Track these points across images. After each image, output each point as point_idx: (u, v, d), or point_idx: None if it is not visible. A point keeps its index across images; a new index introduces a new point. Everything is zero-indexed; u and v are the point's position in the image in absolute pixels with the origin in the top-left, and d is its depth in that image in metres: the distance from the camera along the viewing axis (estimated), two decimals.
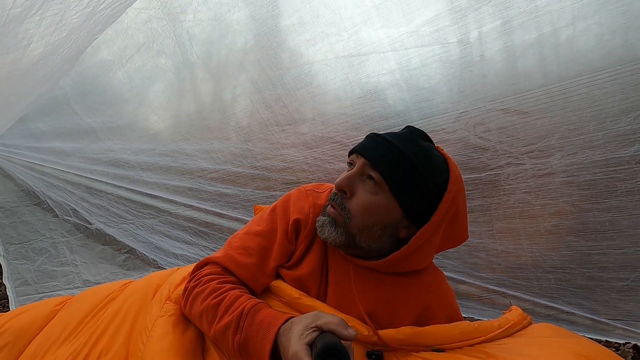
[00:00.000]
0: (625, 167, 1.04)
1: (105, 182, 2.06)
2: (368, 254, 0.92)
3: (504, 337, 0.90)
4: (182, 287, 1.08)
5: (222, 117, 1.73)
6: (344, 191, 0.87)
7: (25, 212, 2.43)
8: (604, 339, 1.43)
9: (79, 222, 2.44)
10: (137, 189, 1.99)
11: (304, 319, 0.70)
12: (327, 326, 0.67)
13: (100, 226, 2.32)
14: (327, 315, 0.69)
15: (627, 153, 1.01)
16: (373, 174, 0.85)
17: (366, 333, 0.82)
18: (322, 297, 0.93)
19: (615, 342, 1.42)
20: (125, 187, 2.03)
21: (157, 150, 1.80)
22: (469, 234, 0.96)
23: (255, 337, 0.74)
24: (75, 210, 2.36)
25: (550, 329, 0.98)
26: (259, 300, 0.83)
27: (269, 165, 1.58)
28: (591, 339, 1.47)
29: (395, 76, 1.22)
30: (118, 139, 1.87)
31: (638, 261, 1.15)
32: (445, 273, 1.03)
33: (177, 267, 1.39)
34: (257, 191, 1.65)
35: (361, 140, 0.94)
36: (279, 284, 0.94)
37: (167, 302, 1.03)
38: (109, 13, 0.99)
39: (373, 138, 0.91)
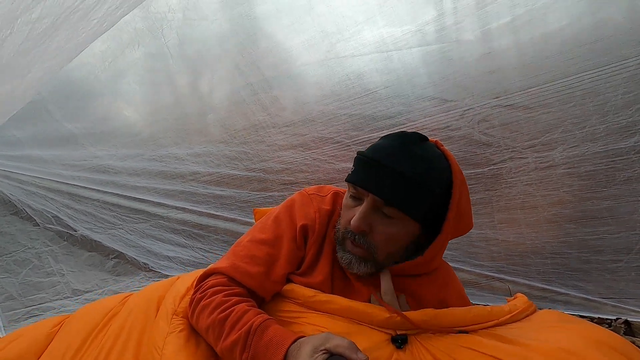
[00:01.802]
0: (625, 157, 1.07)
1: (90, 188, 1.96)
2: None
3: (513, 322, 0.92)
4: (188, 298, 1.05)
5: (200, 109, 1.66)
6: (364, 231, 0.84)
7: (2, 222, 2.30)
8: (596, 316, 1.50)
9: (62, 229, 2.33)
10: (125, 193, 1.90)
11: (314, 339, 0.70)
12: (336, 349, 0.66)
13: (87, 232, 2.22)
14: (336, 338, 0.68)
15: (627, 144, 1.04)
16: (387, 210, 0.83)
17: (387, 315, 0.80)
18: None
19: (607, 319, 1.50)
20: (111, 193, 1.94)
21: (146, 156, 1.72)
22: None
23: (264, 357, 0.72)
24: (57, 217, 2.25)
25: (555, 315, 1.01)
26: (266, 317, 0.81)
27: (266, 167, 1.54)
28: (583, 316, 1.56)
29: (398, 74, 1.19)
30: (102, 145, 1.77)
31: (633, 244, 1.20)
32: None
33: (177, 276, 1.35)
34: (253, 192, 1.61)
35: (361, 143, 0.91)
36: (291, 287, 0.93)
37: (174, 317, 1.00)
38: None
39: (372, 167, 0.84)
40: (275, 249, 0.95)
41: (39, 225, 2.34)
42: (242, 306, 0.83)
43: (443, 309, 0.84)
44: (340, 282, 0.94)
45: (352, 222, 0.84)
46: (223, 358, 0.85)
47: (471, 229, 0.95)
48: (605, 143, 1.06)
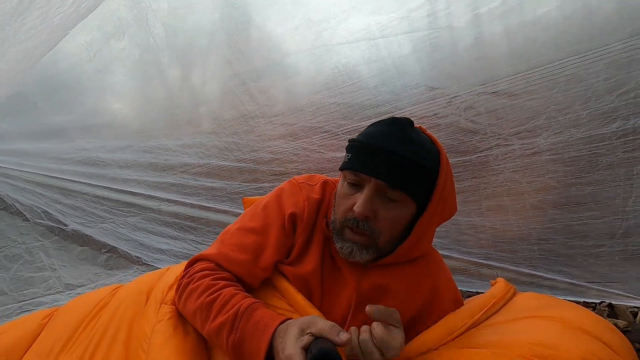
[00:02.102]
0: (607, 142, 1.08)
1: (79, 182, 1.94)
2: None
3: (488, 318, 0.94)
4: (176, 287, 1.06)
5: (189, 99, 1.65)
6: (368, 216, 0.84)
7: None
8: (581, 299, 1.54)
9: (52, 224, 2.31)
10: (115, 187, 1.89)
11: (300, 322, 0.71)
12: (320, 332, 0.68)
13: (77, 227, 2.21)
14: (321, 321, 0.70)
15: (609, 129, 1.05)
16: (392, 194, 0.83)
17: None
18: (321, 295, 0.93)
19: (592, 302, 1.53)
20: (102, 186, 1.92)
21: (135, 147, 1.70)
22: (457, 208, 0.98)
23: (251, 338, 0.73)
24: (47, 212, 2.23)
25: (534, 300, 1.03)
26: (254, 300, 0.82)
27: (256, 158, 1.53)
28: (569, 300, 1.59)
29: (385, 62, 1.19)
30: (91, 137, 1.75)
31: (615, 229, 1.22)
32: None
33: (167, 267, 1.35)
34: (244, 184, 1.60)
35: (351, 133, 0.91)
36: (284, 285, 0.93)
37: (162, 305, 1.00)
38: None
39: (372, 152, 0.84)
40: (264, 237, 0.95)
41: (29, 221, 2.32)
42: (230, 290, 0.83)
43: (412, 341, 0.84)
44: (329, 272, 0.94)
45: (356, 208, 0.83)
46: (210, 341, 0.87)
47: (455, 212, 0.96)
48: (588, 129, 1.07)
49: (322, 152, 1.40)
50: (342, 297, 0.93)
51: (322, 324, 0.69)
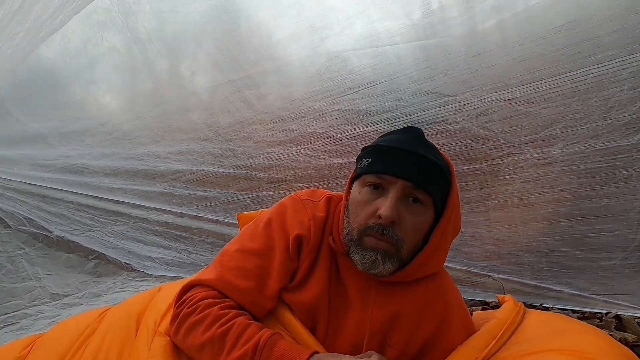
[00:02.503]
0: (626, 155, 1.03)
1: (63, 190, 1.83)
2: None
3: (499, 348, 0.89)
4: (170, 316, 0.98)
5: (183, 105, 1.56)
6: (394, 221, 0.79)
7: None
8: (587, 310, 1.50)
9: (36, 231, 2.20)
10: (101, 195, 1.79)
11: (330, 358, 0.69)
12: None
13: (62, 234, 2.11)
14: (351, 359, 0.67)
15: (629, 142, 1.00)
16: (420, 194, 0.81)
17: None
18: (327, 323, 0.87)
19: (598, 313, 1.50)
20: (86, 195, 1.82)
21: (123, 154, 1.60)
22: (462, 224, 0.96)
23: None
24: (29, 219, 2.12)
25: (544, 324, 0.99)
26: (273, 331, 0.76)
27: (254, 164, 1.44)
28: (575, 310, 1.56)
29: (394, 69, 1.12)
30: (74, 144, 1.63)
31: (628, 242, 1.18)
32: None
33: (158, 287, 1.27)
34: (239, 192, 1.52)
35: (359, 137, 0.87)
36: (287, 316, 0.86)
37: (155, 337, 0.93)
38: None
39: (396, 154, 0.83)
40: (267, 261, 0.88)
41: (10, 227, 2.20)
42: (242, 319, 0.78)
43: None
44: (337, 295, 0.88)
45: (383, 212, 0.78)
46: None
47: (459, 229, 0.93)
48: (606, 140, 1.02)
49: (324, 159, 1.32)
50: (349, 321, 0.86)
51: None
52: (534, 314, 1.05)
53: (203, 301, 0.82)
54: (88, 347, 0.99)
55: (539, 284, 1.42)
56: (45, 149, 1.67)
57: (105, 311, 1.14)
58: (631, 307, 1.43)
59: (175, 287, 1.11)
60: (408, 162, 0.81)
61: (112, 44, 1.45)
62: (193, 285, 0.88)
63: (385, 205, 0.78)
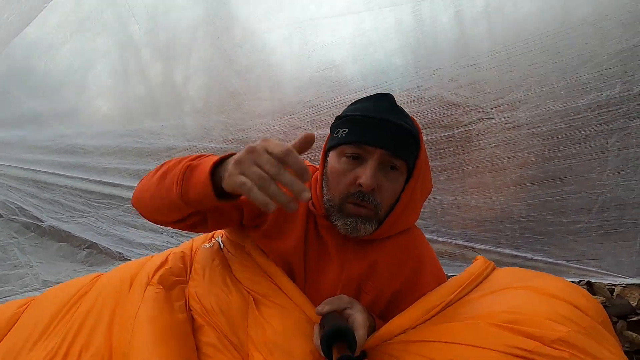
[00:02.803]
0: (582, 115, 1.12)
1: (57, 174, 1.87)
2: None
3: (466, 294, 0.96)
4: (162, 270, 1.04)
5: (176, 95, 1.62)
6: (374, 188, 0.85)
7: None
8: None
9: (28, 220, 2.22)
10: (95, 178, 1.82)
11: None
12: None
13: (54, 223, 2.13)
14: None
15: (584, 102, 1.09)
16: (396, 162, 0.86)
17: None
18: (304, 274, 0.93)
19: (572, 281, 1.58)
20: (80, 178, 1.85)
21: (118, 132, 1.64)
22: (435, 186, 1.02)
23: (206, 162, 0.71)
24: (21, 208, 2.14)
25: (510, 273, 1.07)
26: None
27: (244, 138, 1.50)
28: None
29: (371, 37, 1.19)
30: (70, 122, 1.68)
31: (591, 204, 1.26)
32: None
33: (150, 256, 1.32)
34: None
35: (342, 108, 0.92)
36: (267, 263, 0.93)
37: (148, 287, 0.98)
38: None
39: (372, 124, 0.86)
40: None
41: (2, 217, 2.22)
42: (199, 154, 0.82)
43: (390, 322, 0.84)
44: (314, 251, 0.94)
45: (364, 180, 0.83)
46: (155, 188, 0.82)
47: (431, 188, 0.99)
48: (564, 101, 1.11)
49: (310, 130, 1.38)
50: (328, 275, 0.92)
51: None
52: (502, 269, 1.12)
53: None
54: (82, 305, 1.03)
55: (515, 253, 1.50)
56: (41, 129, 1.70)
57: (97, 276, 1.18)
58: (601, 273, 1.52)
59: (167, 252, 1.17)
60: (384, 131, 0.85)
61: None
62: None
63: (365, 175, 0.83)
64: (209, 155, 0.79)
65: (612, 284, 1.58)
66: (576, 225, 1.35)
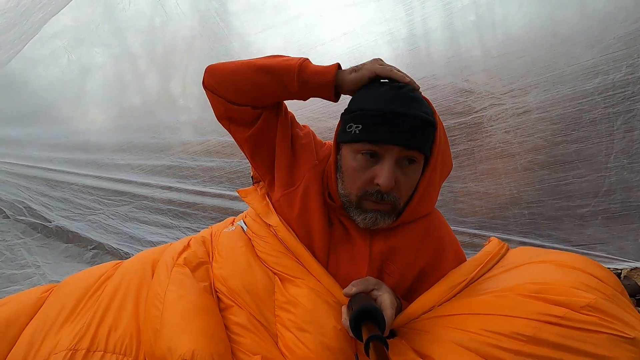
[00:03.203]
0: (589, 98, 1.17)
1: (68, 172, 1.87)
2: None
3: (487, 271, 0.99)
4: (186, 253, 1.05)
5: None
6: (393, 188, 0.83)
7: None
8: None
9: (35, 220, 2.21)
10: (106, 175, 1.83)
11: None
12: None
13: (63, 222, 2.12)
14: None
15: (591, 85, 1.14)
16: (414, 154, 0.83)
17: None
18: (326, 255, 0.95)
19: None
20: (91, 175, 1.86)
21: (133, 126, 1.66)
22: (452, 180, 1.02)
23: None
24: (29, 207, 2.14)
25: (526, 252, 1.09)
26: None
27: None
28: None
29: (389, 25, 1.24)
30: (84, 114, 1.69)
31: (598, 187, 1.30)
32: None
33: (168, 244, 1.33)
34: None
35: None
36: (290, 239, 0.96)
37: (174, 268, 1.00)
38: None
39: (388, 119, 0.81)
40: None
41: (9, 218, 2.21)
42: None
43: (413, 302, 0.86)
44: (337, 232, 0.95)
45: (382, 182, 0.81)
46: (251, 79, 0.91)
47: (451, 167, 0.99)
48: (572, 85, 1.15)
49: (324, 120, 1.42)
50: (351, 258, 0.93)
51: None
52: (517, 249, 1.15)
53: None
54: (107, 287, 1.04)
55: (524, 240, 1.53)
56: (54, 124, 1.71)
57: (118, 263, 1.19)
58: (608, 257, 1.56)
59: (186, 239, 1.19)
60: (402, 126, 0.80)
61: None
62: None
63: (383, 175, 0.80)
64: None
65: (618, 269, 1.62)
66: (583, 209, 1.39)
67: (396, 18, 1.19)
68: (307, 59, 0.89)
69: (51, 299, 1.04)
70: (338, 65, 0.87)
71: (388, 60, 0.79)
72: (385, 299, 0.79)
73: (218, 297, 0.96)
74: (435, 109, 0.89)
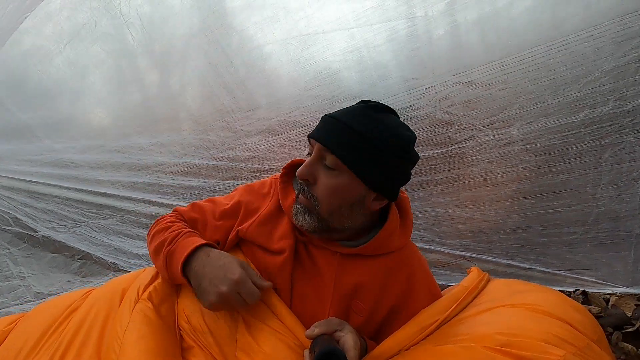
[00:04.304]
0: (576, 131, 1.12)
1: (50, 185, 1.86)
2: (348, 235, 0.93)
3: (461, 310, 0.95)
4: (152, 287, 1.03)
5: (171, 106, 1.63)
6: (307, 179, 0.87)
7: None
8: (557, 289, 1.58)
9: (21, 230, 2.19)
10: (88, 188, 1.82)
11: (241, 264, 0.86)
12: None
13: (49, 233, 2.11)
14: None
15: (577, 118, 1.09)
16: (329, 156, 0.84)
17: None
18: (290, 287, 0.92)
19: (567, 291, 1.58)
20: (74, 188, 1.84)
21: (107, 147, 1.64)
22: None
23: (182, 247, 0.88)
24: (15, 218, 2.12)
25: (505, 287, 1.06)
26: (199, 236, 0.94)
27: (233, 156, 1.51)
28: None
29: (361, 53, 1.20)
30: (60, 136, 1.67)
31: (586, 216, 1.26)
32: (415, 244, 1.06)
33: (142, 269, 1.30)
34: (222, 181, 1.57)
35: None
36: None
37: (137, 304, 0.97)
38: None
39: (325, 120, 0.88)
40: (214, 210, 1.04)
41: None
42: (183, 226, 0.98)
43: (380, 344, 0.84)
44: (301, 264, 0.93)
45: (297, 170, 0.87)
46: (154, 262, 1.00)
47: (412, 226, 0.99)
48: (557, 118, 1.11)
49: (299, 149, 1.39)
50: (319, 298, 0.90)
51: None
52: (497, 281, 1.12)
53: (166, 217, 1.04)
54: (72, 321, 1.02)
55: (511, 263, 1.49)
56: (31, 142, 1.70)
57: (89, 291, 1.17)
58: (597, 282, 1.52)
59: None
60: (331, 129, 0.85)
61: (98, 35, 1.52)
62: (175, 210, 1.09)
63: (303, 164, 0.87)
64: (183, 234, 0.93)
65: (608, 294, 1.58)
66: (571, 237, 1.35)
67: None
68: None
69: (14, 333, 1.02)
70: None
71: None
72: (349, 339, 0.77)
73: (181, 335, 0.94)
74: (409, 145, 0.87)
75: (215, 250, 0.89)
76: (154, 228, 1.01)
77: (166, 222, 0.99)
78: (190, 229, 0.97)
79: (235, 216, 1.00)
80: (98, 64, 1.64)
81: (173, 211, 1.10)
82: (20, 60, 1.64)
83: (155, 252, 0.96)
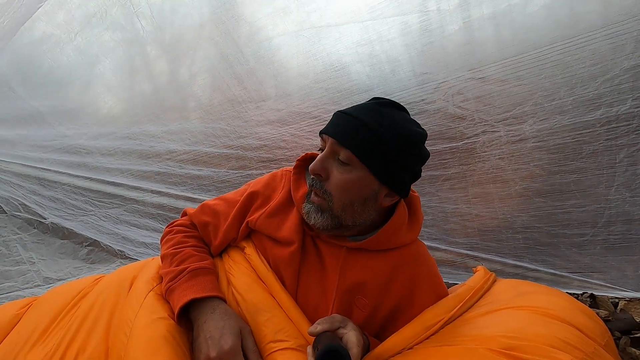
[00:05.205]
0: (591, 130, 1.10)
1: (60, 172, 1.87)
2: (357, 231, 0.92)
3: (466, 311, 0.94)
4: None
5: (180, 96, 1.64)
6: (319, 175, 0.86)
7: None
8: (564, 291, 1.56)
9: (31, 217, 2.23)
10: (97, 177, 1.83)
11: (239, 324, 0.84)
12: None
13: (57, 220, 2.13)
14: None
15: (593, 117, 1.07)
16: (342, 151, 0.84)
17: None
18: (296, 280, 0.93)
19: (574, 293, 1.56)
20: (83, 176, 1.86)
21: (119, 134, 1.65)
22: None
23: (181, 291, 0.88)
24: (24, 204, 2.15)
25: (511, 288, 1.05)
26: (206, 266, 0.94)
27: (244, 144, 1.51)
28: None
29: (374, 47, 1.19)
30: (71, 123, 1.69)
31: (597, 217, 1.24)
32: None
33: (151, 258, 1.32)
34: (232, 171, 1.58)
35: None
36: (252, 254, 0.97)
37: (148, 293, 0.98)
38: None
39: (338, 116, 0.88)
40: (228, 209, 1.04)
41: (5, 213, 2.23)
42: (191, 250, 0.98)
43: (383, 342, 0.83)
44: (308, 257, 0.93)
45: (310, 166, 0.86)
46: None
47: (421, 222, 0.98)
48: (573, 116, 1.09)
49: (310, 139, 1.39)
50: (323, 292, 0.91)
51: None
52: (503, 281, 1.11)
53: (178, 227, 1.06)
54: (82, 305, 1.03)
55: (518, 263, 1.48)
56: (43, 128, 1.71)
57: (98, 278, 1.18)
58: (605, 286, 1.50)
59: None
60: (343, 124, 0.85)
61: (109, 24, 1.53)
62: (183, 214, 1.12)
63: (315, 159, 0.87)
64: (189, 271, 0.93)
65: (616, 298, 1.56)
66: (581, 238, 1.33)
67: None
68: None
69: (27, 317, 1.04)
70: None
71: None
72: (352, 337, 0.77)
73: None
74: (416, 142, 0.86)
75: (222, 306, 0.86)
76: (164, 242, 1.04)
77: (176, 241, 1.01)
78: (199, 254, 0.98)
79: (248, 209, 1.02)
80: (108, 52, 1.64)
81: (182, 215, 1.11)
82: (31, 48, 1.65)
83: (165, 277, 0.96)
